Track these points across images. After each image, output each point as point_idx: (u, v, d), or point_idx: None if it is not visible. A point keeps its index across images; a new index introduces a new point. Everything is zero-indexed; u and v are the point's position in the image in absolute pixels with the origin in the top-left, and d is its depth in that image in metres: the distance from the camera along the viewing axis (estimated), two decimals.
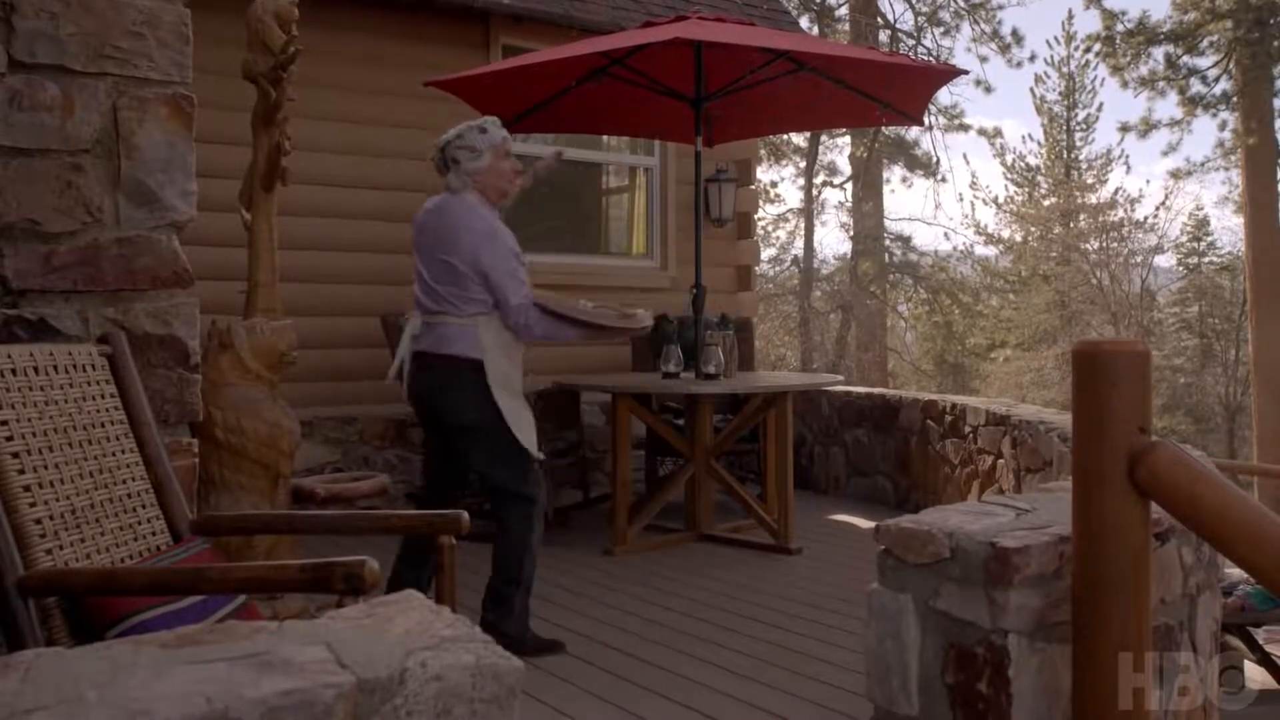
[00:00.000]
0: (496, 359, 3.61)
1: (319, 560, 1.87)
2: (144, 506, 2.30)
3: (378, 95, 6.17)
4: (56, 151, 2.52)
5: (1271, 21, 16.34)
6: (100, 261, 2.57)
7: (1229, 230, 22.80)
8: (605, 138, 7.42)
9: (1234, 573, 3.74)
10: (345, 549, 2.05)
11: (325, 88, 5.81)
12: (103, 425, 2.28)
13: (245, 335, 3.18)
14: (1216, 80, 17.41)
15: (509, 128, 5.84)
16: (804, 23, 18.07)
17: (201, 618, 2.02)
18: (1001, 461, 5.55)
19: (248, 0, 3.53)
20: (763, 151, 18.69)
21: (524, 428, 3.66)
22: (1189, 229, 23.83)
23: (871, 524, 2.07)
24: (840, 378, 6.73)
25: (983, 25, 18.67)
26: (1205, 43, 17.20)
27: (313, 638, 1.16)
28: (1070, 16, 25.24)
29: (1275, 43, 16.47)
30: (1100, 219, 23.97)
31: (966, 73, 6.31)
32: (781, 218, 22.06)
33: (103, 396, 2.32)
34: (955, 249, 24.16)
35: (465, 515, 2.32)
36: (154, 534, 2.29)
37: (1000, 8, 18.65)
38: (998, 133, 25.87)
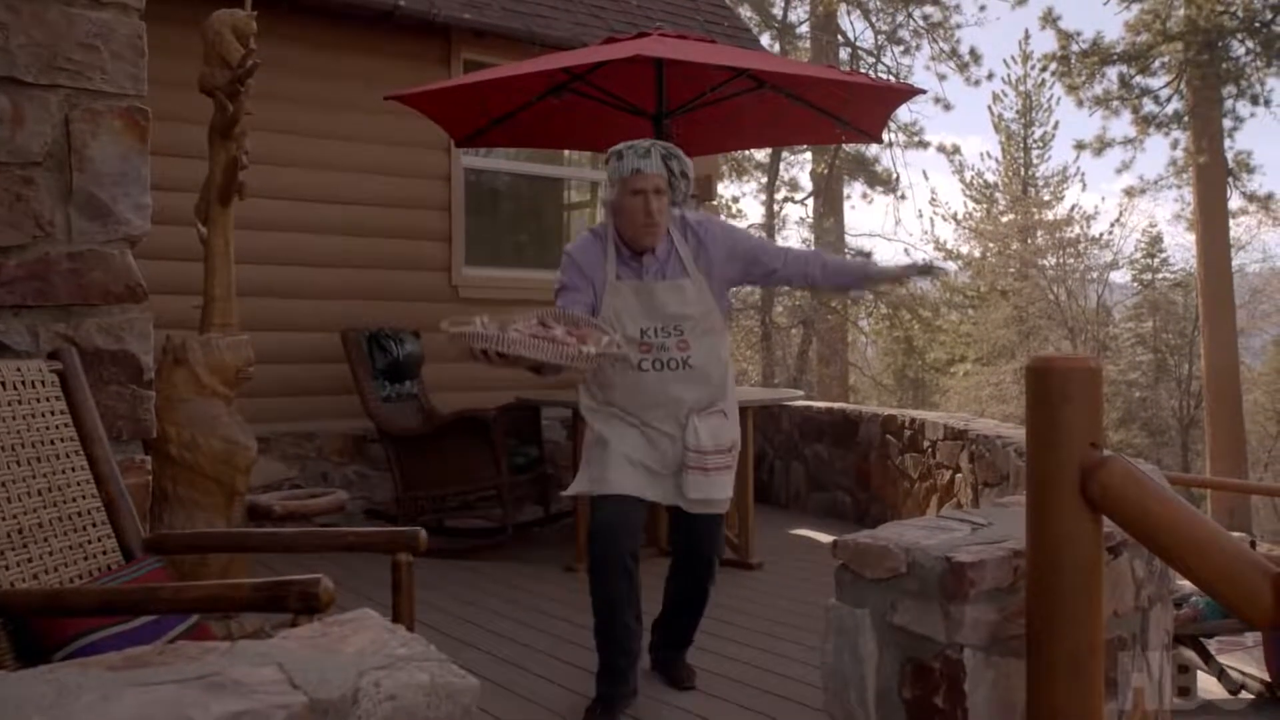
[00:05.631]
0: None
1: (273, 579, 1.85)
2: (94, 525, 2.26)
3: (338, 109, 6.14)
4: (6, 164, 2.48)
5: (1220, 44, 16.69)
6: (51, 276, 2.53)
7: (1182, 247, 23.26)
8: (567, 153, 7.42)
9: (1186, 584, 3.79)
10: (303, 567, 2.03)
11: (284, 101, 5.77)
12: (52, 443, 2.24)
13: (200, 350, 3.14)
14: (1168, 100, 17.75)
15: (469, 142, 5.89)
16: (765, 40, 18.22)
17: (153, 638, 1.99)
18: (960, 476, 5.60)
19: (205, 13, 3.50)
20: (724, 167, 18.79)
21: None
22: (1143, 246, 24.25)
23: (831, 539, 2.08)
24: (800, 393, 6.75)
25: (941, 44, 18.94)
26: (1157, 63, 17.53)
27: (264, 658, 1.15)
28: (1027, 36, 25.71)
29: (1224, 64, 16.82)
30: (1057, 235, 24.31)
31: (924, 92, 6.39)
32: None
33: (53, 413, 2.28)
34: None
35: (422, 533, 2.30)
36: (104, 553, 2.25)
37: (958, 27, 18.95)
38: (957, 150, 26.22)
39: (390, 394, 5.74)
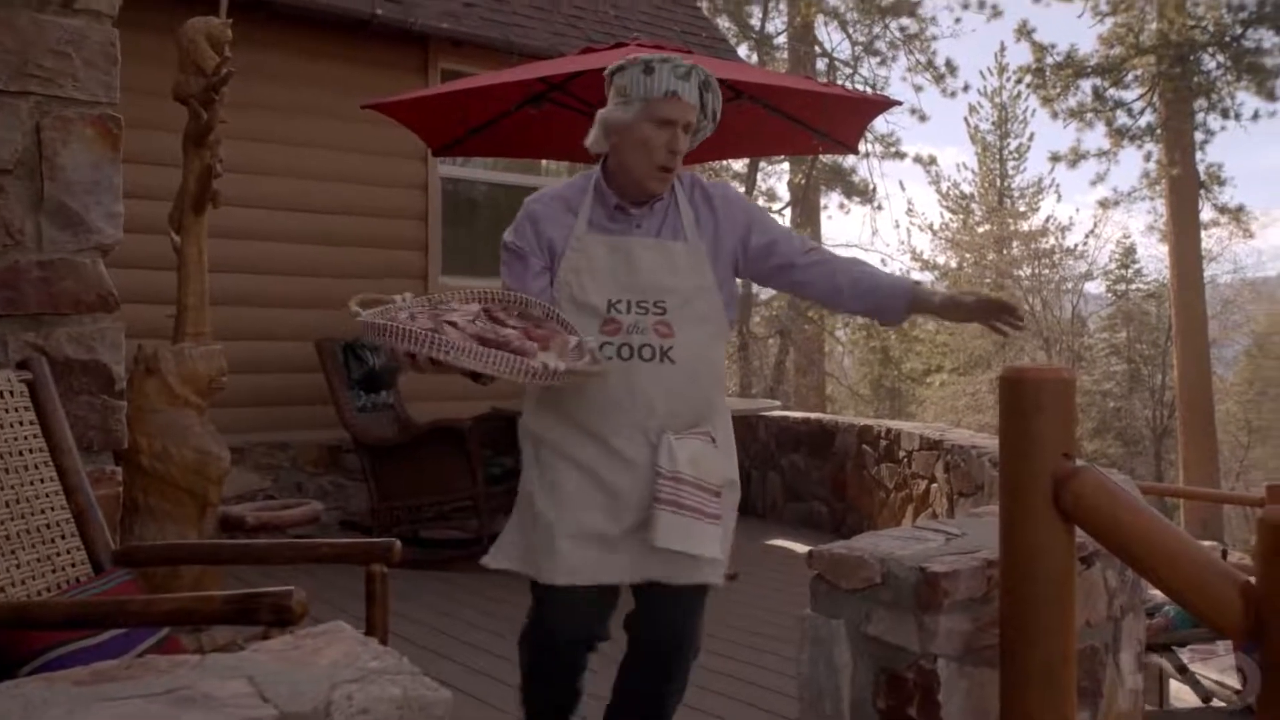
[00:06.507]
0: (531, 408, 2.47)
1: (244, 591, 1.83)
2: (63, 537, 2.24)
3: (314, 117, 6.12)
4: None
5: (1191, 58, 16.90)
6: (21, 285, 2.50)
7: (1155, 258, 23.52)
8: (544, 162, 7.42)
9: (1158, 594, 3.82)
10: (277, 579, 2.02)
11: (260, 109, 5.74)
12: (21, 454, 2.22)
13: (173, 360, 3.12)
14: (1141, 113, 17.96)
15: (446, 151, 5.88)
16: (742, 51, 18.29)
17: (122, 652, 1.97)
18: (935, 486, 5.62)
19: (180, 20, 3.48)
20: (702, 177, 18.80)
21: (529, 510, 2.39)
22: (1117, 257, 24.47)
23: (807, 549, 2.08)
24: (777, 403, 6.77)
25: (918, 55, 19.07)
26: (1130, 76, 17.74)
27: (235, 671, 1.14)
28: (1002, 49, 25.95)
29: (1195, 78, 17.03)
30: (1032, 246, 24.52)
31: (900, 104, 6.43)
32: None
33: (21, 424, 2.25)
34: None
35: (397, 544, 2.29)
36: (73, 565, 2.23)
37: (934, 39, 19.08)
38: (933, 160, 26.44)
39: (366, 404, 5.71)
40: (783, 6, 18.57)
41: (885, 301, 2.41)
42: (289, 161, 6.03)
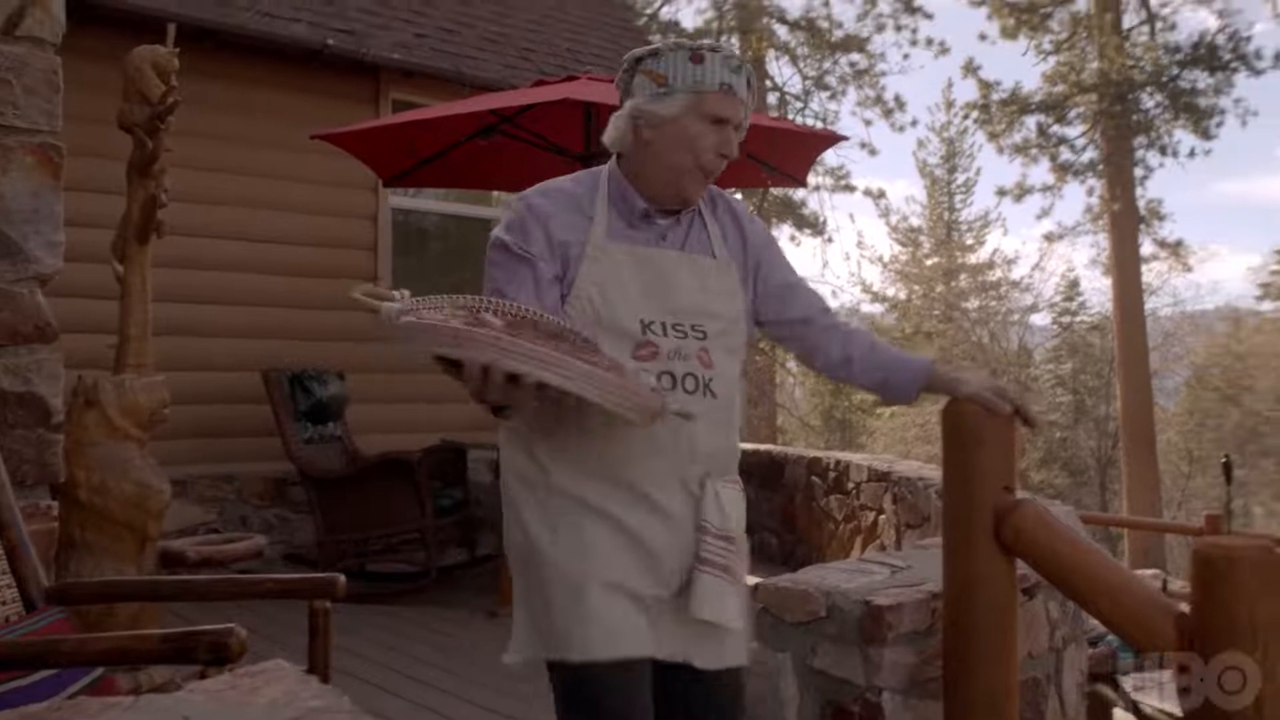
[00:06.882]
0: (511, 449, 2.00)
1: (182, 629, 1.80)
2: None
3: (264, 147, 6.07)
4: None
5: (1130, 96, 17.37)
6: None
7: (1098, 291, 23.95)
8: (495, 193, 7.42)
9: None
10: (219, 615, 1.98)
11: (209, 138, 5.69)
12: None
13: (113, 392, 3.06)
14: (1084, 149, 18.41)
15: (397, 182, 5.86)
16: None
17: (54, 693, 1.92)
18: (883, 517, 5.66)
19: (125, 48, 3.45)
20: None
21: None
22: (1062, 289, 24.96)
23: (756, 581, 2.08)
24: None
25: (867, 90, 19.36)
26: (1073, 114, 18.18)
27: (169, 713, 1.12)
28: (950, 85, 26.46)
29: (1135, 116, 17.50)
30: (980, 279, 24.96)
31: (846, 139, 6.52)
32: None
33: None
34: (843, 306, 24.77)
35: (341, 578, 2.26)
36: (3, 603, 2.17)
37: (883, 74, 19.38)
38: (882, 194, 26.76)
39: (313, 435, 5.64)
40: (735, 40, 18.80)
41: (897, 376, 2.03)
42: (238, 191, 5.97)
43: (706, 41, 1.98)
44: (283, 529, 5.97)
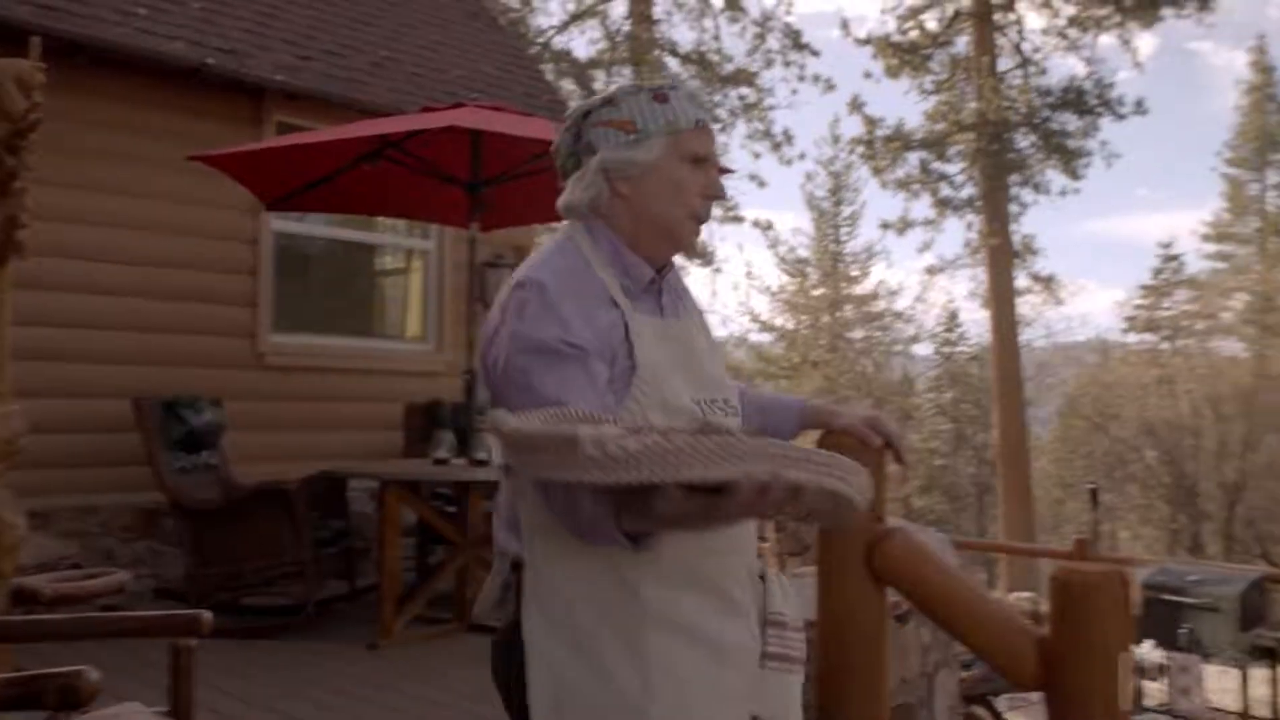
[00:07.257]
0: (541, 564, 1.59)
1: (29, 673, 1.71)
2: None
3: (138, 165, 5.87)
4: None
5: (1005, 136, 18.11)
6: None
7: (977, 322, 24.84)
8: (381, 219, 7.33)
9: None
10: (80, 654, 1.89)
11: (80, 156, 5.50)
12: None
13: None
14: (963, 185, 19.11)
15: (279, 206, 5.73)
16: None
17: None
18: (767, 545, 5.72)
19: None
20: (542, 238, 18.92)
21: None
22: (942, 321, 25.77)
23: None
24: None
25: (756, 123, 19.72)
26: (953, 151, 18.86)
27: None
28: (836, 120, 27.18)
29: (1009, 155, 18.24)
30: (864, 309, 25.60)
31: (732, 172, 6.62)
32: None
33: None
34: (731, 335, 25.09)
35: (207, 615, 2.18)
36: None
37: (772, 108, 19.75)
38: (770, 225, 27.26)
39: (186, 465, 5.45)
40: (626, 71, 18.98)
41: (775, 416, 1.91)
42: (111, 210, 5.76)
43: (661, 80, 1.84)
44: (154, 562, 5.74)
